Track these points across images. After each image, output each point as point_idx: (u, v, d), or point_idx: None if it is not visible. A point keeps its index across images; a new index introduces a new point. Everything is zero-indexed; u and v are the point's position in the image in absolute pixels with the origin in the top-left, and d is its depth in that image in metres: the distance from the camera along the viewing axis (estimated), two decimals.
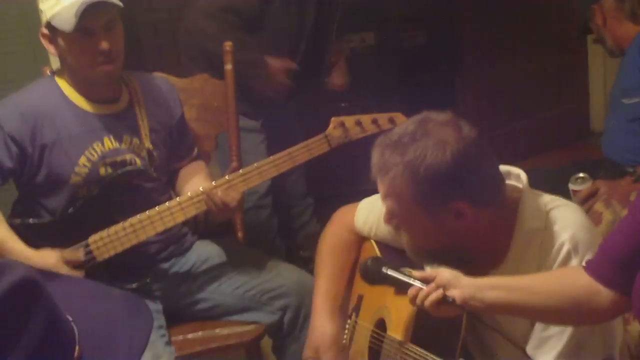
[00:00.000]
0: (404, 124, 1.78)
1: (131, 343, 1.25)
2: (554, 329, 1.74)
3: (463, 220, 1.73)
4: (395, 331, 1.86)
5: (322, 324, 2.07)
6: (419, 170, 1.69)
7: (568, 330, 1.72)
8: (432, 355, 1.72)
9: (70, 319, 1.21)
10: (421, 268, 1.92)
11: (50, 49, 2.38)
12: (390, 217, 1.82)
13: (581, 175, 2.63)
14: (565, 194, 2.62)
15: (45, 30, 2.35)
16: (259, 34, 3.08)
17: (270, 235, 3.26)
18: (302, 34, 3.18)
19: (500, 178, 1.80)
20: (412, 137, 1.72)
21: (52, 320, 1.14)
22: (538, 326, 1.76)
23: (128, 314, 1.33)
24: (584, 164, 2.97)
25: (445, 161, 1.68)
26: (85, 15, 2.24)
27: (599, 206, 2.58)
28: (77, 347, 1.17)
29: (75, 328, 1.20)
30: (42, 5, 2.33)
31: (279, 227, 3.32)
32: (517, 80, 4.58)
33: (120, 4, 2.32)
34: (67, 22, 2.26)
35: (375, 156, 1.77)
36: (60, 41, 2.33)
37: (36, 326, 1.11)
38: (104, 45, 2.31)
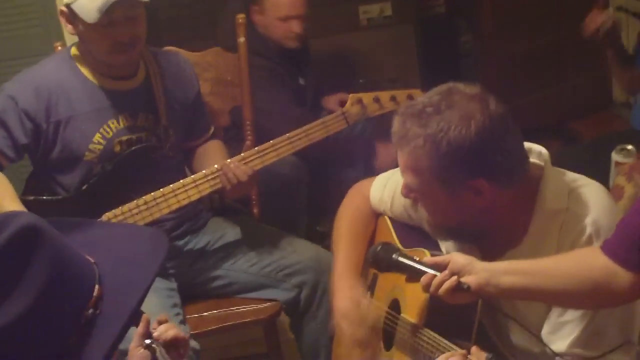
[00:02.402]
0: (429, 93, 1.71)
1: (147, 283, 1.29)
2: (571, 315, 1.69)
3: (482, 198, 1.69)
4: (409, 313, 1.83)
5: (346, 289, 2.01)
6: (441, 145, 1.63)
7: (586, 317, 1.68)
8: (445, 341, 1.69)
9: (93, 260, 1.26)
10: (435, 244, 1.89)
11: (68, 27, 2.35)
12: (407, 191, 1.77)
13: (628, 147, 2.52)
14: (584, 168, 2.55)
15: (64, 9, 2.31)
16: None
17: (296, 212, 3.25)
18: None
19: (524, 158, 1.74)
20: (436, 109, 1.65)
21: (59, 264, 1.18)
22: (554, 311, 1.72)
23: (152, 253, 1.37)
24: (613, 137, 2.88)
25: (469, 137, 1.62)
26: (109, 10, 2.21)
27: (620, 180, 2.52)
28: (97, 287, 1.22)
29: (96, 269, 1.25)
30: None
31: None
32: (538, 50, 4.50)
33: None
34: (89, 13, 2.22)
35: (397, 125, 1.71)
36: (80, 26, 2.29)
37: (40, 270, 1.15)
38: (125, 36, 2.29)
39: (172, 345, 1.54)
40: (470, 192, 1.68)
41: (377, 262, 1.78)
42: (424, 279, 1.65)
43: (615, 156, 2.52)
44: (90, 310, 1.20)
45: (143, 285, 1.27)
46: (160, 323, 1.55)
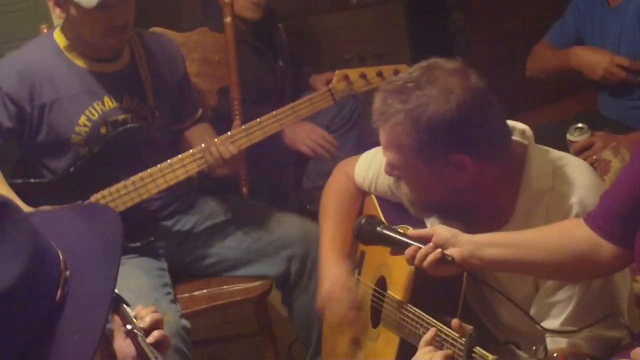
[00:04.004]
0: (410, 69, 1.72)
1: (105, 248, 1.31)
2: (560, 295, 1.70)
3: (464, 174, 1.68)
4: (395, 290, 1.84)
5: (331, 270, 2.02)
6: (421, 120, 1.63)
7: (575, 297, 1.68)
8: (429, 317, 1.70)
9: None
10: (421, 222, 1.89)
11: (57, 11, 2.32)
12: (391, 168, 1.77)
13: (580, 125, 2.55)
14: None
15: None
16: None
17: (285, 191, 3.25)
18: None
19: (507, 133, 1.73)
20: (416, 84, 1.65)
21: (35, 230, 1.21)
22: (543, 292, 1.73)
23: (93, 223, 1.38)
24: (592, 116, 2.88)
25: (450, 111, 1.62)
26: None
27: (607, 154, 2.52)
28: (61, 254, 1.25)
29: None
30: None
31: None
32: (529, 26, 4.49)
33: None
34: None
35: (377, 102, 1.71)
36: (73, 10, 2.27)
37: (25, 235, 1.18)
38: (119, 20, 2.28)
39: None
40: (452, 167, 1.68)
41: (361, 234, 1.78)
42: (408, 251, 1.65)
43: (569, 135, 2.55)
44: (65, 273, 1.23)
45: (96, 249, 1.29)
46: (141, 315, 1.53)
